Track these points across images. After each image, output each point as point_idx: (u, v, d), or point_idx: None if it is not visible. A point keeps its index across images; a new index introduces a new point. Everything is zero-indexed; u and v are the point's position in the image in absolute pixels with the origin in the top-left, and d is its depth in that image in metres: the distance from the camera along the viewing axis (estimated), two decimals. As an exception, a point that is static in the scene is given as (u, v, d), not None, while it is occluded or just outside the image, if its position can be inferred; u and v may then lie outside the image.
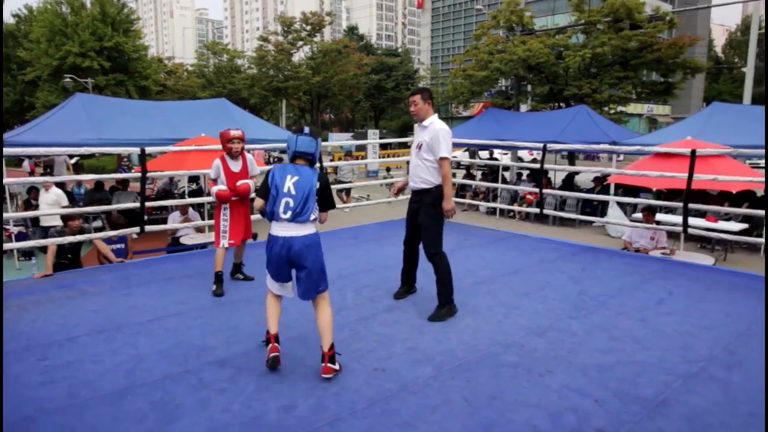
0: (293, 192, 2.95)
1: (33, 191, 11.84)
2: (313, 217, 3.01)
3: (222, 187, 4.45)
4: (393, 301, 4.23)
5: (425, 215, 3.96)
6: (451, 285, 3.90)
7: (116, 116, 11.29)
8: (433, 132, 3.83)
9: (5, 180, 7.57)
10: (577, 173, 15.18)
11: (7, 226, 9.56)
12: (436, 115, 3.96)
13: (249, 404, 2.67)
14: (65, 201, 8.77)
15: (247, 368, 3.05)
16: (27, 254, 9.02)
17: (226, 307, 4.08)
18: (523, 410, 2.62)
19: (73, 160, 20.00)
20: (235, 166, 4.55)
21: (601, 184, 12.61)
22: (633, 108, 32.60)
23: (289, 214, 2.95)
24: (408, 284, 4.37)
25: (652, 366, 3.11)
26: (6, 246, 6.28)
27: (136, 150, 5.45)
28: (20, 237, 9.30)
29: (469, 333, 3.58)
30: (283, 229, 2.98)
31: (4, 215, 8.40)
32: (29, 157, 18.01)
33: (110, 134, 10.20)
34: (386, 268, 5.16)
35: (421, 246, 4.09)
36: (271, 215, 3.00)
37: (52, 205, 8.19)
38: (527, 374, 3.00)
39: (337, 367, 2.96)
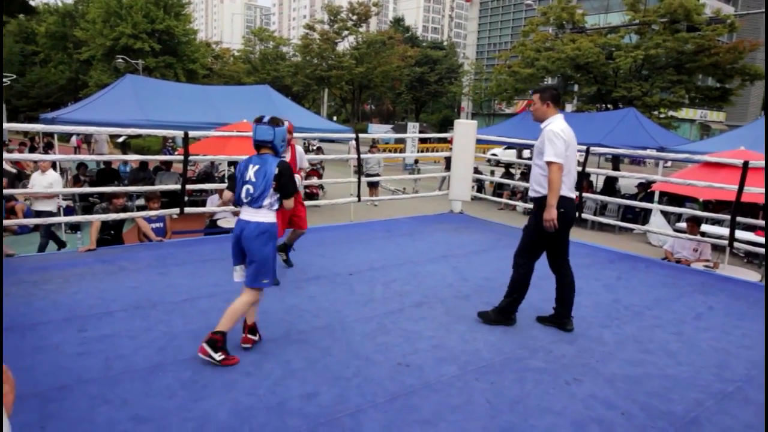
0: (253, 180, 3.05)
1: (82, 167, 12.30)
2: (268, 202, 3.05)
3: None
4: (421, 296, 4.22)
5: (528, 223, 3.72)
6: (516, 298, 3.68)
7: (163, 98, 11.61)
8: (542, 134, 3.51)
9: (56, 156, 7.90)
10: (617, 178, 14.72)
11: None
12: (557, 116, 3.58)
13: (274, 389, 2.72)
14: (60, 185, 8.31)
15: (273, 354, 3.11)
16: (73, 228, 9.39)
17: (258, 292, 4.15)
18: (546, 417, 2.59)
19: (121, 139, 20.67)
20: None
21: (645, 190, 12.25)
22: (685, 113, 31.46)
23: (248, 199, 3.07)
24: (560, 309, 3.74)
25: (685, 382, 3.01)
26: (54, 219, 6.56)
27: (180, 133, 5.59)
28: (68, 211, 9.68)
29: (497, 335, 3.55)
30: (243, 214, 3.11)
31: (55, 190, 8.75)
32: (77, 133, 18.69)
33: (156, 116, 10.50)
34: (417, 263, 5.16)
35: (562, 264, 3.77)
36: (237, 202, 3.14)
37: (46, 188, 7.86)
38: (553, 381, 2.95)
39: (216, 357, 2.90)
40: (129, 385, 2.68)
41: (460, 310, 3.96)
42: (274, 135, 3.09)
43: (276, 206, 3.11)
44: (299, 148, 4.69)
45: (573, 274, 3.72)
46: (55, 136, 11.79)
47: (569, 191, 3.54)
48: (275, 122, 3.12)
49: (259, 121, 3.12)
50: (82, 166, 12.51)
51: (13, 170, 13.65)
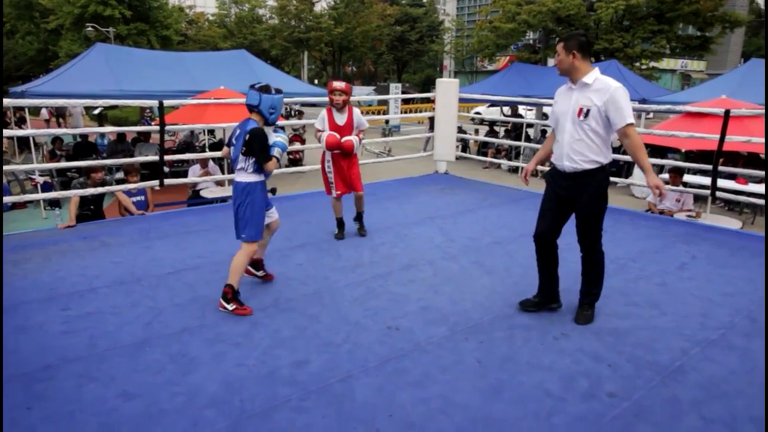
0: (234, 143, 3.28)
1: (57, 141, 11.98)
2: (242, 165, 3.23)
3: (332, 133, 4.51)
4: (409, 259, 4.21)
5: (591, 208, 3.07)
6: (602, 285, 3.24)
7: (137, 67, 11.25)
8: (607, 93, 2.90)
9: (31, 131, 7.64)
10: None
11: (32, 176, 9.74)
12: (596, 70, 3.03)
13: (263, 359, 2.71)
14: None
15: (262, 324, 3.09)
16: (53, 204, 9.20)
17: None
18: (535, 373, 2.62)
19: (97, 111, 20.14)
20: (340, 119, 4.59)
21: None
22: (666, 63, 31.32)
23: (232, 162, 3.32)
24: (547, 295, 3.32)
25: (670, 332, 3.06)
26: (32, 197, 6.41)
27: (155, 103, 5.42)
28: (46, 187, 9.47)
29: (485, 294, 3.56)
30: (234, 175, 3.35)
31: (31, 165, 8.54)
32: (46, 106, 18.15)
33: (131, 86, 10.19)
34: (404, 225, 5.13)
35: (568, 242, 3.33)
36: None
37: None
38: (541, 337, 2.98)
39: (229, 307, 3.19)
40: (116, 362, 2.66)
41: (448, 272, 3.97)
42: (260, 100, 3.21)
43: (252, 169, 3.24)
44: (356, 110, 4.69)
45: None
46: (26, 110, 11.41)
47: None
48: (265, 89, 3.25)
49: (252, 86, 3.27)
50: (57, 140, 12.18)
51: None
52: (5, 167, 7.98)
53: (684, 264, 4.20)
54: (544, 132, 15.81)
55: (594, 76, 3.00)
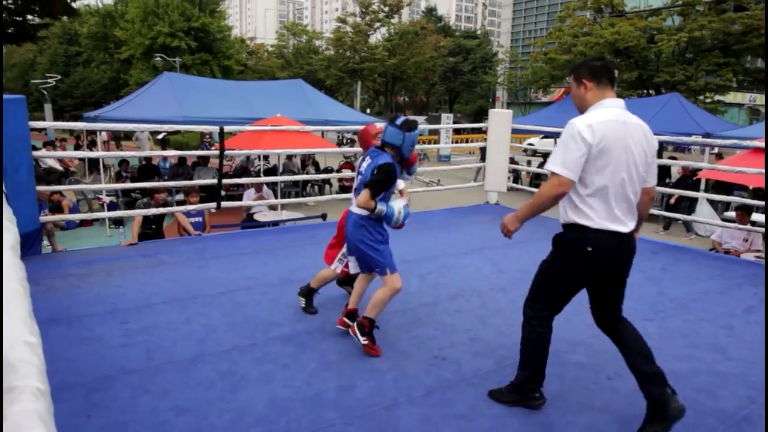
0: (361, 173, 3.14)
1: (124, 163, 12.67)
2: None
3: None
4: (457, 289, 4.17)
5: (543, 262, 2.61)
6: (533, 370, 2.53)
7: (200, 95, 11.84)
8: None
9: (101, 153, 8.15)
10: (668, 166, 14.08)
11: (99, 196, 10.31)
12: (605, 102, 2.41)
13: (310, 381, 2.73)
14: None
15: (309, 346, 3.12)
16: (117, 222, 9.69)
17: (294, 286, 4.18)
18: (586, 414, 2.52)
19: (160, 136, 21.20)
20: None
21: (690, 178, 11.79)
22: (732, 97, 30.15)
23: (354, 191, 3.21)
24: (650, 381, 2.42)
25: (735, 378, 2.88)
26: (98, 215, 6.77)
27: (215, 128, 5.67)
28: (111, 207, 9.99)
29: (535, 328, 3.47)
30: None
31: (99, 185, 9.04)
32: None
33: (193, 112, 10.70)
34: (452, 255, 5.10)
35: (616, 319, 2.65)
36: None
37: None
38: (594, 376, 2.87)
39: (362, 340, 3.03)
40: (169, 376, 2.74)
41: (497, 303, 3.90)
42: (403, 140, 3.03)
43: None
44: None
45: (632, 329, 2.55)
46: (98, 134, 12.16)
47: (613, 222, 2.34)
48: (407, 126, 3.03)
49: (392, 121, 3.07)
50: (124, 162, 12.88)
51: (60, 168, 14.18)
52: (76, 186, 8.51)
53: (751, 307, 3.97)
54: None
55: (593, 109, 2.39)
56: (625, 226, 2.37)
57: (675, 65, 18.69)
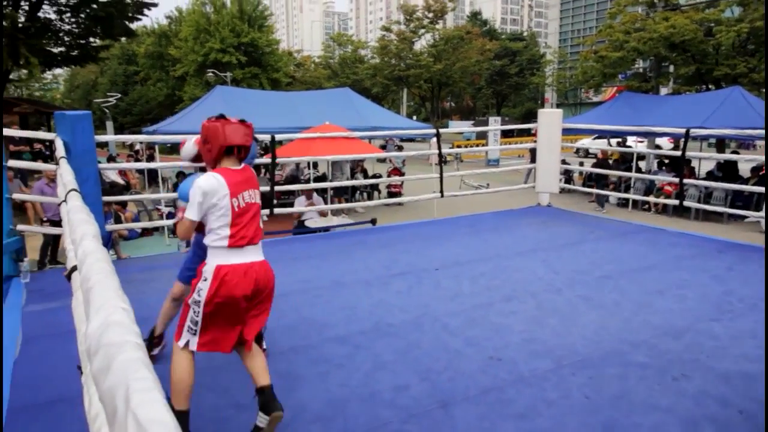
0: None
1: (181, 175, 13.15)
2: None
3: None
4: (510, 290, 4.11)
5: None
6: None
7: (250, 106, 12.19)
8: None
9: (159, 164, 8.53)
10: (735, 162, 13.45)
11: (158, 206, 10.76)
12: None
13: (365, 381, 2.75)
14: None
15: (364, 347, 3.15)
16: (175, 231, 10.08)
17: (346, 288, 4.24)
18: (652, 414, 2.42)
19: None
20: None
21: (757, 174, 11.20)
22: (799, 88, 28.42)
23: None
24: None
25: (814, 380, 2.71)
26: (158, 223, 7.06)
27: (267, 137, 5.82)
28: (170, 216, 10.40)
29: (593, 328, 3.38)
30: None
31: (157, 195, 9.44)
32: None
33: (246, 123, 11.02)
34: (504, 257, 5.03)
35: None
36: None
37: None
38: (658, 376, 2.76)
39: None
40: (230, 376, 2.82)
41: (552, 304, 3.81)
42: None
43: None
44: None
45: None
46: (156, 148, 12.72)
47: None
48: None
49: None
50: (180, 174, 13.39)
51: (122, 181, 14.89)
52: (137, 197, 8.92)
53: (829, 306, 3.72)
54: (660, 164, 14.80)
55: None
56: None
57: (736, 57, 17.78)
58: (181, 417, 2.22)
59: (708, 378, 2.74)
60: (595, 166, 13.36)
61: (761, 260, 4.88)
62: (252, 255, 2.32)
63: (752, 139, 23.16)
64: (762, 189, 8.36)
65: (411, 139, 31.81)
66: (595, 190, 10.30)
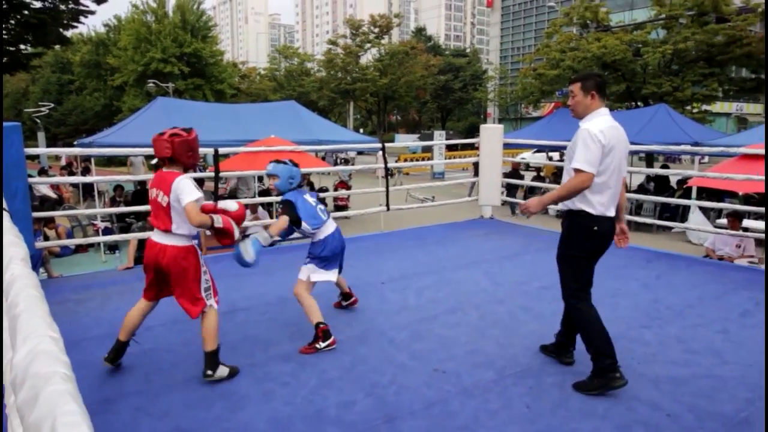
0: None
1: (118, 189, 12.68)
2: None
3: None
4: (455, 302, 4.19)
5: (559, 250, 3.00)
6: (599, 347, 2.78)
7: (193, 119, 11.84)
8: (577, 133, 2.81)
9: (95, 178, 8.18)
10: (665, 176, 14.28)
11: (94, 221, 10.29)
12: (601, 111, 2.85)
13: (310, 398, 2.73)
14: None
15: (309, 363, 3.12)
16: (112, 248, 9.67)
17: (291, 304, 4.18)
18: (588, 420, 2.52)
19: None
20: None
21: (682, 187, 11.92)
22: (720, 107, 30.61)
23: (327, 216, 3.62)
24: (561, 344, 3.17)
25: (733, 381, 2.90)
26: (94, 239, 6.77)
27: (210, 150, 5.70)
28: (106, 232, 9.97)
29: (534, 339, 3.48)
30: (332, 225, 3.63)
31: (92, 210, 9.04)
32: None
33: (188, 136, 10.73)
34: (449, 269, 5.12)
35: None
36: (316, 222, 3.52)
37: None
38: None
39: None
40: (169, 398, 2.73)
41: (495, 315, 3.91)
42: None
43: None
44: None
45: (591, 309, 2.89)
46: (92, 161, 12.19)
47: (607, 209, 2.83)
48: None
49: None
50: (118, 188, 12.88)
51: (54, 195, 14.16)
52: (71, 212, 8.51)
53: (747, 311, 4.00)
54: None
55: (589, 117, 2.84)
56: (613, 212, 2.89)
57: (661, 77, 18.97)
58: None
59: (639, 383, 2.88)
60: (509, 176, 13.79)
61: (688, 269, 5.20)
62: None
63: (677, 154, 24.68)
64: (687, 202, 8.93)
65: (361, 152, 31.98)
66: (506, 198, 10.51)
